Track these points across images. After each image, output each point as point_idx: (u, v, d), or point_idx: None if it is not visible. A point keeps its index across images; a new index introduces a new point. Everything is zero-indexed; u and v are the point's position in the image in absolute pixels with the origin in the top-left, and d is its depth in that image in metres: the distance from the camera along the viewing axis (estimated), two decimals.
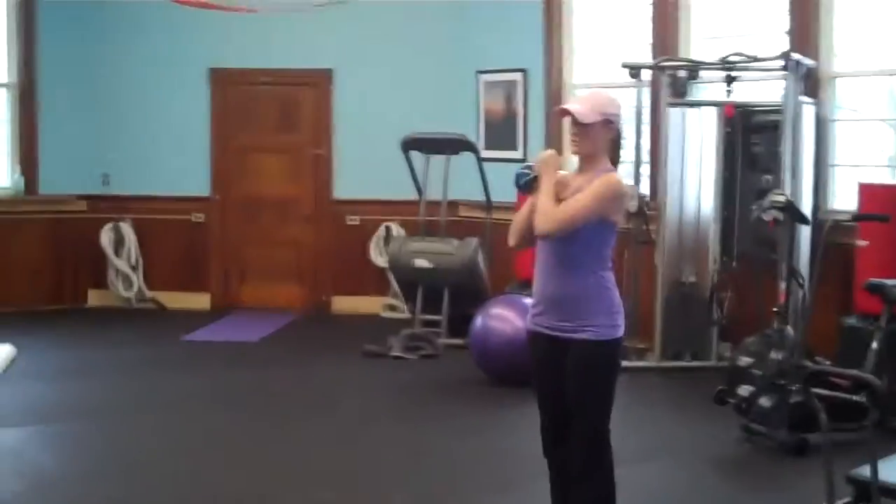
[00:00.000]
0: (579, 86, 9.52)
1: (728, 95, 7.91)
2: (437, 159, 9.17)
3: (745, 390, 6.12)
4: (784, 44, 7.73)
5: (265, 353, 8.79)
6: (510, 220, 7.54)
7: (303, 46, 10.42)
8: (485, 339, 7.49)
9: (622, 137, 4.22)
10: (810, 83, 7.63)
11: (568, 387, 4.11)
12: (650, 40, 8.85)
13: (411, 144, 9.22)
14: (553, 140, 9.48)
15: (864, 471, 4.85)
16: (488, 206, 9.37)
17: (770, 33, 8.06)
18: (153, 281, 10.63)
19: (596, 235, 4.07)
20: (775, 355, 6.08)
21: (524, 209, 4.20)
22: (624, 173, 8.62)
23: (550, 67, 9.58)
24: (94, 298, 10.67)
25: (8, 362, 7.89)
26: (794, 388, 5.96)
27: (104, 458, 5.95)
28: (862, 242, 7.02)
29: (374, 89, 10.42)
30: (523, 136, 9.82)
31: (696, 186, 8.38)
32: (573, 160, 4.22)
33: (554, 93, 9.55)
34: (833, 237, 6.27)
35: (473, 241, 9.00)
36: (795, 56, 7.29)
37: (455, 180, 9.32)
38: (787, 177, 7.18)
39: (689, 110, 8.34)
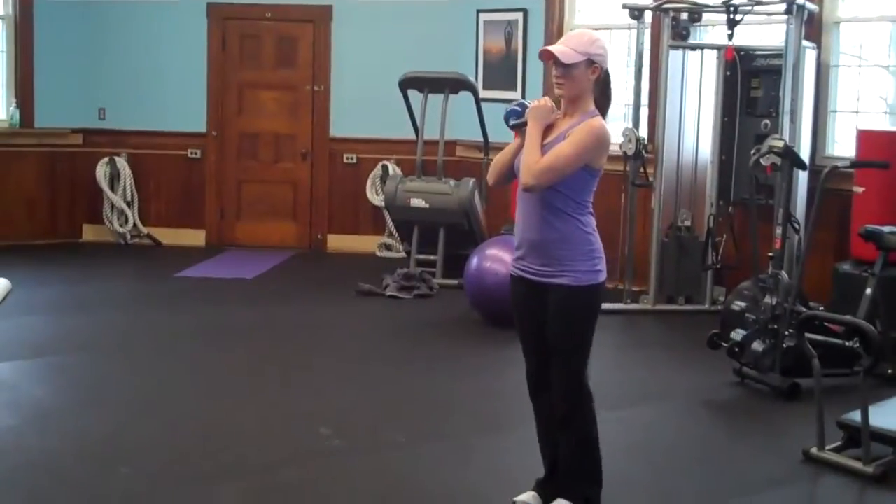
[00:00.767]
0: (580, 26, 9.45)
1: (729, 39, 7.86)
2: (436, 98, 9.13)
3: (738, 334, 6.14)
4: None
5: (259, 290, 8.80)
6: None
7: None
8: (479, 279, 7.49)
9: (610, 80, 4.13)
10: (812, 28, 7.59)
11: (548, 331, 4.11)
12: None
13: (409, 83, 9.17)
14: (553, 82, 9.41)
15: (855, 416, 4.90)
16: (486, 146, 9.34)
17: None
18: (148, 216, 10.62)
19: (577, 181, 4.02)
20: (769, 300, 6.09)
21: (506, 150, 4.17)
22: (621, 115, 8.68)
23: (551, 7, 9.50)
24: (88, 233, 10.67)
25: (3, 296, 7.90)
26: (787, 332, 5.99)
27: (99, 391, 5.97)
28: (858, 189, 7.01)
29: (373, 27, 10.35)
30: (522, 77, 9.75)
31: (694, 130, 8.36)
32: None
33: (554, 33, 9.47)
34: (830, 183, 6.25)
35: (470, 182, 8.98)
36: (798, 0, 7.23)
37: (453, 120, 9.29)
38: (785, 122, 7.15)
39: (689, 53, 8.30)
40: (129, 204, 10.49)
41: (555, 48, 4.03)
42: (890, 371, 6.20)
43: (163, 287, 8.79)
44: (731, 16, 7.73)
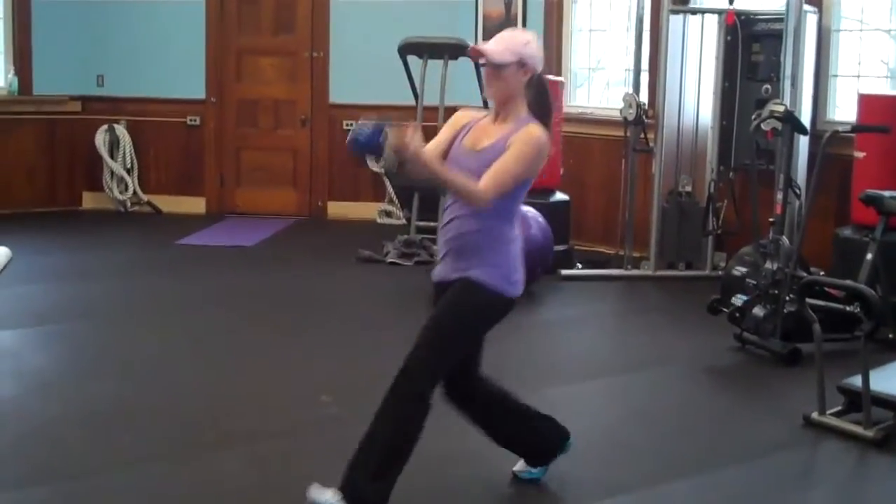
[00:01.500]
0: None
1: (730, 3, 7.82)
2: (435, 64, 9.09)
3: (739, 300, 6.15)
4: None
5: (260, 258, 8.80)
6: None
7: None
8: None
9: (546, 88, 3.91)
10: None
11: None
12: None
13: (409, 49, 9.12)
14: (553, 47, 9.40)
15: (856, 380, 4.91)
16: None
17: None
18: (148, 184, 10.60)
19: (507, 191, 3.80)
20: (770, 265, 6.09)
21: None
22: (622, 80, 8.64)
23: None
24: (88, 201, 10.65)
25: (3, 265, 7.90)
26: (788, 298, 5.99)
27: (101, 358, 5.98)
28: (859, 154, 7.00)
29: None
30: None
31: (695, 95, 8.35)
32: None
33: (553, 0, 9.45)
34: (831, 148, 6.24)
35: None
36: None
37: (453, 85, 9.25)
38: (786, 87, 7.12)
39: (690, 18, 8.27)
40: (128, 171, 10.47)
41: (485, 46, 3.87)
42: (890, 335, 6.21)
43: (163, 255, 8.79)
44: None
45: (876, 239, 6.12)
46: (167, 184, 10.62)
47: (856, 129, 6.76)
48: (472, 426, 4.18)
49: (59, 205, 10.48)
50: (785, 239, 6.17)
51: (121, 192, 10.48)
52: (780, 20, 7.34)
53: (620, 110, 8.08)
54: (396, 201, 9.98)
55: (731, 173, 8.02)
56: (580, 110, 9.37)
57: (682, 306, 7.35)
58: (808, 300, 5.26)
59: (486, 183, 3.72)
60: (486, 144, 3.85)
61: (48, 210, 10.33)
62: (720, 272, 7.46)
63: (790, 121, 6.31)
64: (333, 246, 9.17)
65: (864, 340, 4.87)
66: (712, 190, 7.98)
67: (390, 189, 9.94)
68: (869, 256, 6.10)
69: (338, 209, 10.49)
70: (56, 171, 10.49)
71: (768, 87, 7.70)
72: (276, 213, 10.45)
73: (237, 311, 7.05)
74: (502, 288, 3.84)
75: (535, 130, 3.80)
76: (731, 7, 7.84)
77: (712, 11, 8.15)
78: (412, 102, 9.33)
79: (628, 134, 8.15)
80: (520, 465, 4.29)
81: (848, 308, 5.50)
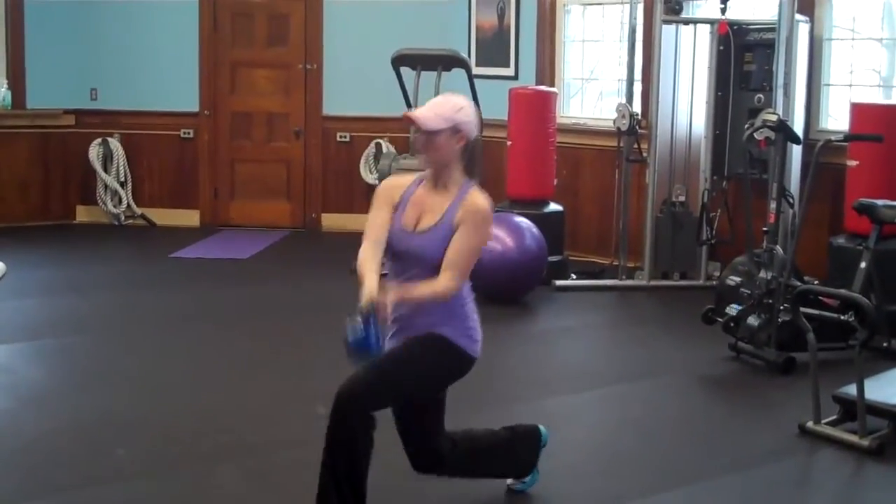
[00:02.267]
0: (572, 1, 9.42)
1: (723, 13, 7.84)
2: (428, 75, 9.09)
3: (733, 309, 6.14)
4: None
5: (255, 270, 8.79)
6: (502, 137, 7.52)
7: None
8: None
9: (480, 149, 3.85)
10: (805, 1, 7.56)
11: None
12: None
13: (402, 60, 9.12)
14: (546, 58, 9.41)
15: (851, 389, 4.91)
16: (479, 123, 9.29)
17: None
18: (142, 197, 10.59)
19: None
20: (764, 275, 6.10)
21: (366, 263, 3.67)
22: (614, 91, 8.65)
23: None
24: (82, 214, 10.64)
25: None
26: (782, 307, 5.99)
27: (95, 372, 5.96)
28: (852, 162, 7.00)
29: (365, 3, 10.31)
30: (515, 54, 9.72)
31: (688, 105, 8.36)
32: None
33: (547, 9, 9.45)
34: (824, 157, 6.25)
35: None
36: None
37: None
38: (779, 96, 7.13)
39: (682, 28, 8.28)
40: (122, 185, 10.46)
41: (417, 113, 3.81)
42: (885, 344, 6.21)
43: (158, 268, 8.78)
44: None
45: (870, 248, 6.12)
46: (161, 197, 10.61)
47: (849, 137, 6.77)
48: (455, 479, 4.09)
49: (52, 218, 10.47)
50: (779, 248, 6.17)
51: (115, 206, 10.47)
52: (773, 30, 7.35)
53: (614, 121, 8.09)
54: None
55: (724, 183, 8.03)
56: (573, 121, 9.37)
57: (676, 316, 7.35)
58: (803, 309, 5.26)
59: (451, 273, 3.65)
60: (431, 224, 3.75)
61: (42, 224, 10.31)
62: (714, 282, 7.45)
63: (783, 130, 6.32)
64: (328, 258, 9.16)
65: (859, 349, 4.87)
66: (706, 199, 7.98)
67: None
68: (863, 265, 6.10)
69: (332, 221, 10.49)
70: (50, 185, 10.48)
71: (761, 96, 7.71)
72: (270, 226, 10.44)
73: (231, 324, 7.04)
74: (467, 346, 3.76)
75: (478, 200, 3.73)
76: (724, 17, 7.85)
77: (705, 21, 8.17)
78: None
79: (622, 144, 8.15)
80: (511, 479, 4.27)
81: (842, 317, 5.49)
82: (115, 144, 10.43)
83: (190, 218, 10.53)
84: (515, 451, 4.19)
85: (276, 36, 10.48)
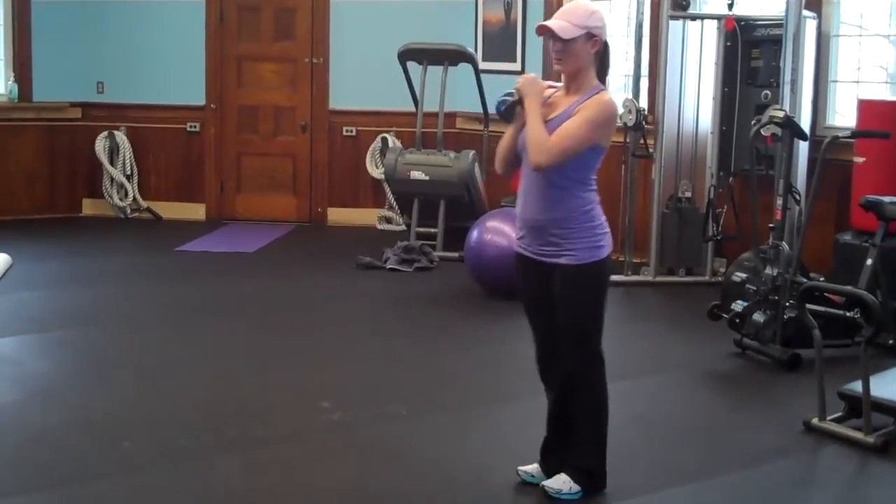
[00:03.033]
0: None
1: (730, 9, 7.83)
2: (435, 70, 9.10)
3: (739, 305, 6.14)
4: None
5: (260, 264, 8.80)
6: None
7: None
8: (480, 251, 7.49)
9: (608, 51, 4.05)
10: None
11: (557, 311, 4.06)
12: None
13: (408, 55, 9.14)
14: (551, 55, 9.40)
15: (856, 386, 4.91)
16: (486, 118, 9.32)
17: None
18: (148, 190, 10.61)
19: (582, 159, 3.96)
20: (770, 271, 6.10)
21: (507, 135, 4.08)
22: (621, 86, 8.65)
23: None
24: (88, 208, 10.65)
25: (3, 271, 7.90)
26: (788, 303, 5.99)
27: (102, 365, 5.98)
28: (859, 159, 7.00)
29: None
30: (522, 48, 9.72)
31: (694, 101, 8.34)
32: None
33: (553, 4, 9.43)
34: (831, 153, 6.24)
35: (470, 154, 8.96)
36: None
37: (453, 92, 9.27)
38: (786, 92, 7.13)
39: (689, 23, 8.27)
40: (128, 178, 10.47)
41: (552, 23, 3.94)
42: (891, 341, 6.20)
43: (164, 261, 8.79)
44: None
45: (876, 244, 6.12)
46: (167, 190, 10.62)
47: (855, 134, 6.76)
48: (552, 401, 4.23)
49: (59, 211, 10.48)
50: (785, 244, 6.17)
51: (121, 199, 10.48)
52: (780, 25, 7.34)
53: (620, 116, 8.07)
54: (396, 207, 9.99)
55: (730, 179, 8.03)
56: None
57: (681, 312, 7.35)
58: (808, 306, 5.26)
59: (551, 139, 3.86)
60: (556, 114, 3.95)
61: (48, 217, 10.33)
62: (720, 278, 7.45)
63: (790, 126, 6.32)
64: (333, 252, 9.17)
65: (865, 346, 4.87)
66: (712, 195, 7.97)
67: (390, 195, 9.94)
68: (869, 262, 6.10)
69: (338, 215, 10.50)
70: (56, 178, 10.49)
71: (768, 92, 7.71)
72: (276, 220, 10.45)
73: (237, 318, 7.05)
74: (596, 256, 4.03)
75: (605, 98, 3.94)
76: (731, 13, 7.85)
77: (712, 17, 8.16)
78: (412, 108, 9.35)
79: (628, 139, 8.15)
80: (556, 482, 4.14)
81: (848, 314, 5.49)
82: (121, 138, 10.44)
83: (196, 211, 10.54)
84: (588, 440, 4.16)
85: (282, 30, 10.48)
